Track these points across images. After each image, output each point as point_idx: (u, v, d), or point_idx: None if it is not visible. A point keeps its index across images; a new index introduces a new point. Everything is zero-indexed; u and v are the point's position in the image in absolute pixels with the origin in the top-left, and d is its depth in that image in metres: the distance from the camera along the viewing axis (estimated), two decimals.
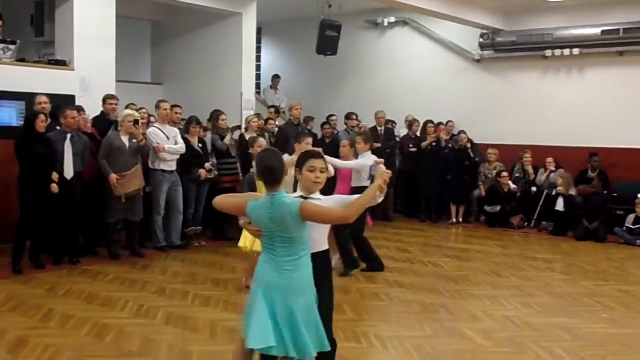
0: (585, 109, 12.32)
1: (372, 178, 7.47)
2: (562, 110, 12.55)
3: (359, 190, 3.87)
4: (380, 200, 3.80)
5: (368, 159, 7.78)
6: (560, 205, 11.24)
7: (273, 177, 3.61)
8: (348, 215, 3.59)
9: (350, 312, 6.38)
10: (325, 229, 3.93)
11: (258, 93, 14.55)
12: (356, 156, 7.90)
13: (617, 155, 11.77)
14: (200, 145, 9.57)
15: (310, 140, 6.96)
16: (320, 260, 3.85)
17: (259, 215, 3.63)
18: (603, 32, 11.95)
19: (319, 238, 3.89)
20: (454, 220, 12.29)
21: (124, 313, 6.22)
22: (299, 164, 3.87)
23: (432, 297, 6.98)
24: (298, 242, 3.61)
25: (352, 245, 7.98)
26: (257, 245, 6.11)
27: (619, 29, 11.80)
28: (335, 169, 7.41)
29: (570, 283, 8.02)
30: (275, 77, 14.96)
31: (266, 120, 11.28)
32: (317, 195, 3.89)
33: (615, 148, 11.84)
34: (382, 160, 8.02)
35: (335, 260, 7.64)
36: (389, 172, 3.73)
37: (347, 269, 7.88)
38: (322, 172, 3.85)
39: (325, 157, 7.62)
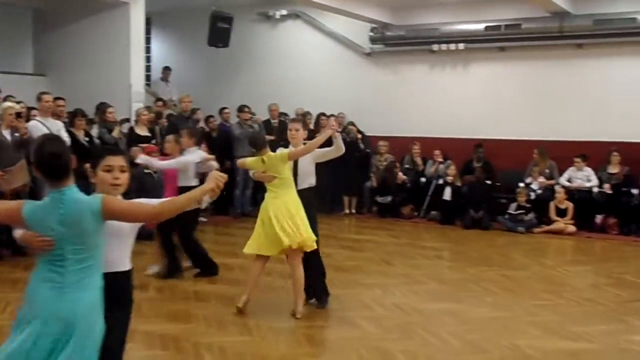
0: (470, 101, 12.76)
1: (201, 176, 7.14)
2: (449, 102, 12.95)
3: (186, 190, 3.42)
4: (205, 204, 3.39)
5: (193, 155, 7.31)
6: (447, 194, 11.62)
7: (60, 167, 2.92)
8: (160, 212, 3.09)
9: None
10: (128, 244, 3.29)
11: (148, 85, 14.24)
12: (181, 152, 7.40)
13: (500, 146, 12.26)
14: (87, 138, 9.26)
15: (297, 125, 6.23)
16: (117, 282, 3.21)
17: (42, 219, 2.92)
18: (486, 27, 12.43)
19: (119, 255, 3.25)
20: (347, 211, 12.48)
21: (5, 315, 5.94)
22: (94, 165, 3.25)
23: None
24: (93, 251, 2.98)
25: (179, 249, 7.48)
26: (265, 249, 5.95)
27: (500, 25, 12.30)
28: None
29: (456, 270, 8.33)
30: (166, 69, 14.66)
31: (160, 114, 11.09)
32: None
33: (498, 139, 12.32)
34: (212, 157, 7.73)
35: (154, 270, 7.39)
36: (225, 175, 3.21)
37: (170, 273, 7.33)
38: (122, 171, 3.22)
39: (143, 156, 7.47)
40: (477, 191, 11.42)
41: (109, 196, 3.02)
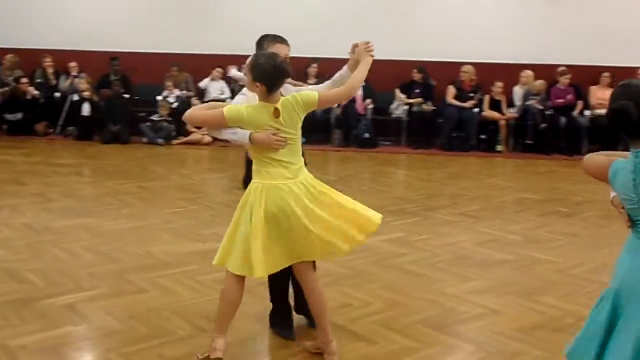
0: (105, 12, 12.22)
1: None
2: (81, 10, 12.24)
3: None
4: None
5: None
6: (86, 110, 11.25)
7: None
8: None
9: None
10: None
11: None
12: None
13: (137, 59, 12.08)
14: None
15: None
16: None
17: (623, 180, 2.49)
18: None
19: None
20: None
21: None
22: None
23: None
24: None
25: None
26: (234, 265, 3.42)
27: None
28: None
29: (93, 185, 8.25)
30: None
31: None
32: None
33: (134, 52, 12.12)
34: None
35: None
36: None
37: None
38: None
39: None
40: (116, 105, 11.27)
41: None
